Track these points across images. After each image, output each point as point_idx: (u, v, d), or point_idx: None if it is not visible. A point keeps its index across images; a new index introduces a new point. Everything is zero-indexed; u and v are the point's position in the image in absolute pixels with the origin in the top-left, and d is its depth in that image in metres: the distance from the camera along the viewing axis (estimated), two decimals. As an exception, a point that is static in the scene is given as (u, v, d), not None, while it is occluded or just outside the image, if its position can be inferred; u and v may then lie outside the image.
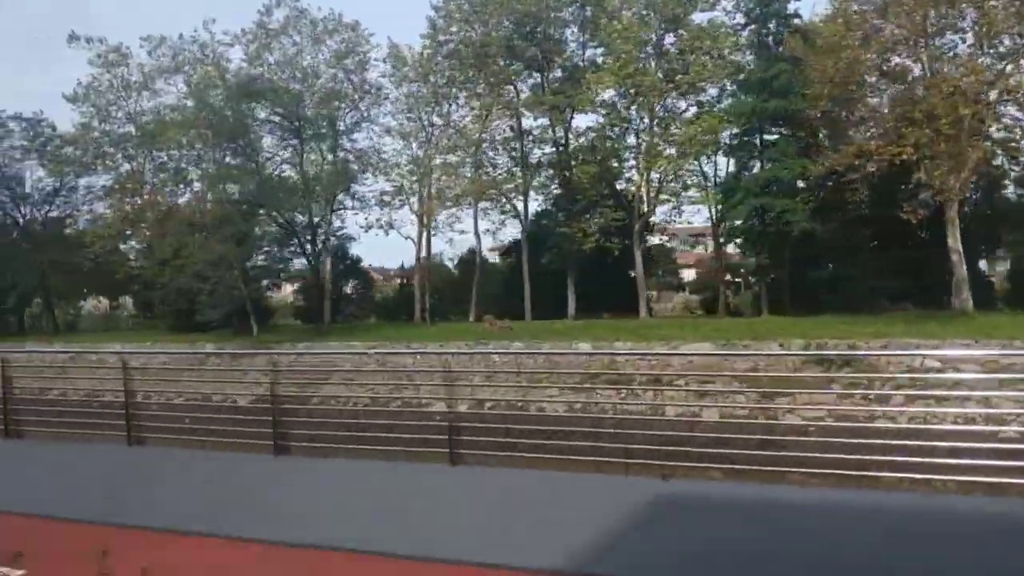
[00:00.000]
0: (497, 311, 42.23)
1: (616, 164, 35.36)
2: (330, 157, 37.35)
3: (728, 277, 52.34)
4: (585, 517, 5.60)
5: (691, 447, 9.02)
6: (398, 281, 56.30)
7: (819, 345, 23.17)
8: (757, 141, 31.74)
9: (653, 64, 32.68)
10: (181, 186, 44.88)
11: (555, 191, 39.20)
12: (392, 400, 25.48)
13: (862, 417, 14.77)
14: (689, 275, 60.90)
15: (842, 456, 7.21)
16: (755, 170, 32.34)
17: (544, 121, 37.59)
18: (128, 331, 45.85)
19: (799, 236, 30.21)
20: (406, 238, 43.14)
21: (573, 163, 35.61)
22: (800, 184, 31.18)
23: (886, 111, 26.83)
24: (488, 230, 41.87)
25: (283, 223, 34.87)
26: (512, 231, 45.02)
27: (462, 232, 41.15)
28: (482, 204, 38.96)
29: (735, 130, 32.91)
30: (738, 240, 35.55)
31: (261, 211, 36.90)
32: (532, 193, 38.76)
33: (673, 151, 31.98)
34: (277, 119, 34.10)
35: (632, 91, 31.62)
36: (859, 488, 6.99)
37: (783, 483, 7.56)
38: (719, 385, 23.18)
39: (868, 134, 26.15)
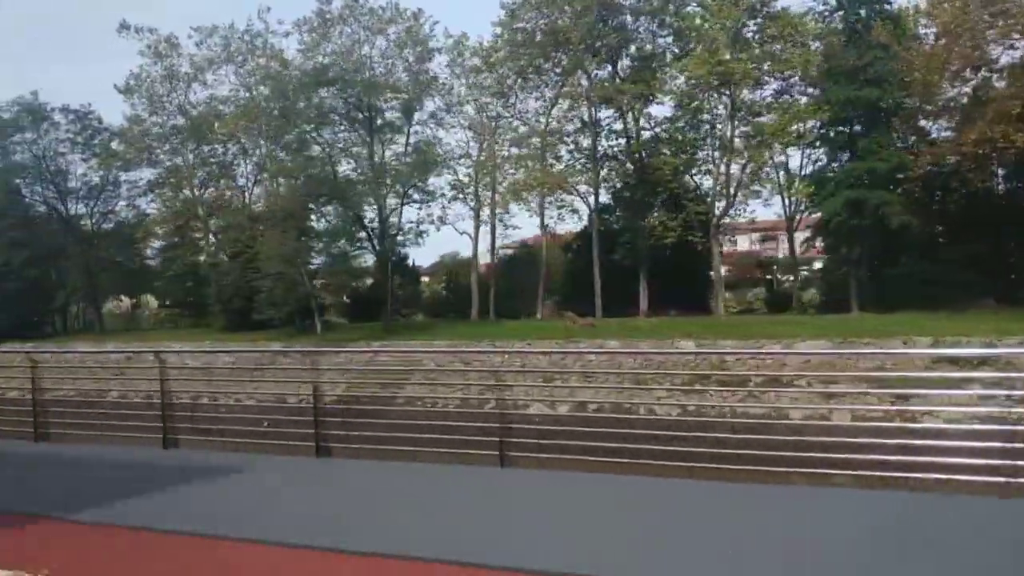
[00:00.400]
0: (561, 308, 41.09)
1: (688, 156, 34.10)
2: (396, 150, 36.19)
3: (758, 274, 51.40)
4: (723, 527, 5.32)
5: (822, 452, 8.33)
6: (426, 278, 55.07)
7: (951, 343, 22.03)
8: (848, 131, 30.53)
9: (730, 52, 31.45)
10: (223, 180, 43.95)
11: (618, 184, 37.96)
12: (485, 402, 24.38)
13: (1011, 419, 13.74)
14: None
15: (992, 462, 6.81)
16: (843, 161, 31.19)
17: (609, 112, 36.53)
18: (175, 330, 44.54)
19: (897, 230, 29.10)
20: (461, 233, 42.04)
21: (646, 154, 34.49)
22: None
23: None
24: (546, 225, 40.78)
25: (349, 217, 33.54)
26: (570, 225, 43.99)
27: (515, 227, 39.54)
28: (533, 198, 37.67)
29: (816, 121, 31.81)
30: (821, 235, 34.37)
31: (318, 205, 35.74)
32: (584, 187, 37.55)
33: (758, 141, 30.79)
34: (345, 109, 32.68)
35: (716, 80, 30.37)
36: (1007, 497, 6.38)
37: (923, 489, 7.07)
38: (845, 386, 22.06)
39: (987, 121, 24.83)
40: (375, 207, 35.01)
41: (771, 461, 7.37)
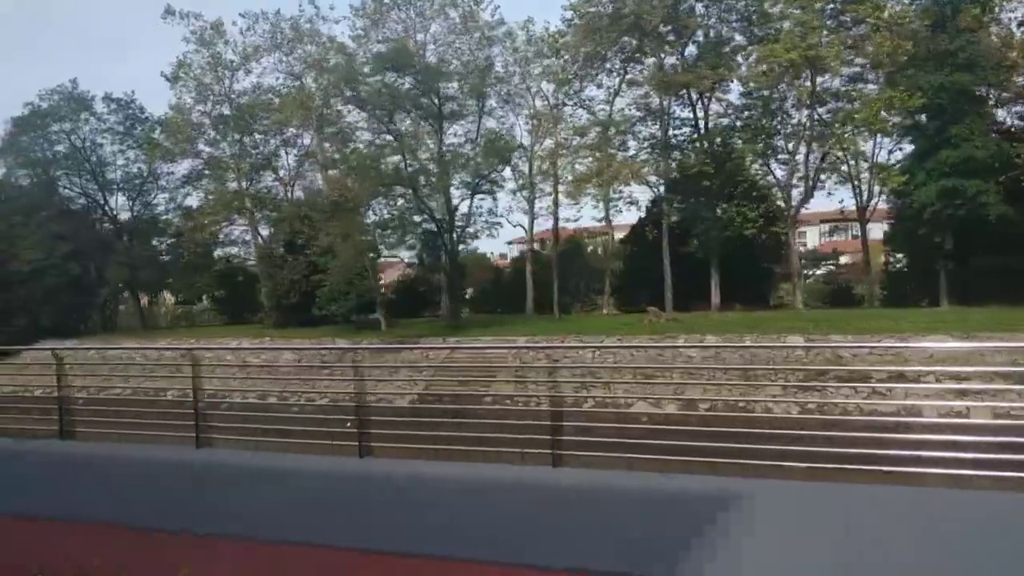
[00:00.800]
0: (621, 302, 39.99)
1: (764, 144, 32.90)
2: (453, 140, 34.86)
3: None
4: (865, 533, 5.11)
5: (958, 451, 7.85)
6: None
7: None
8: (941, 119, 29.38)
9: (819, 36, 30.30)
10: (263, 172, 42.68)
11: (679, 174, 36.76)
12: (584, 400, 23.28)
13: None
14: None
15: None
16: (930, 149, 30.07)
17: (670, 101, 35.30)
18: (215, 327, 43.21)
19: (994, 221, 28.06)
20: (515, 225, 40.85)
21: (719, 142, 33.40)
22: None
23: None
24: (595, 218, 39.58)
25: (413, 208, 32.18)
26: (626, 217, 42.84)
27: (575, 219, 38.03)
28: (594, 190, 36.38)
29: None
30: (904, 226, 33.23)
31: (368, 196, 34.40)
32: (654, 178, 36.33)
33: (847, 129, 29.69)
34: (412, 96, 31.25)
35: (805, 65, 29.20)
36: None
37: None
38: (979, 382, 20.99)
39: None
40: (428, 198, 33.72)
41: (905, 461, 7.02)
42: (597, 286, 46.24)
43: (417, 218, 31.92)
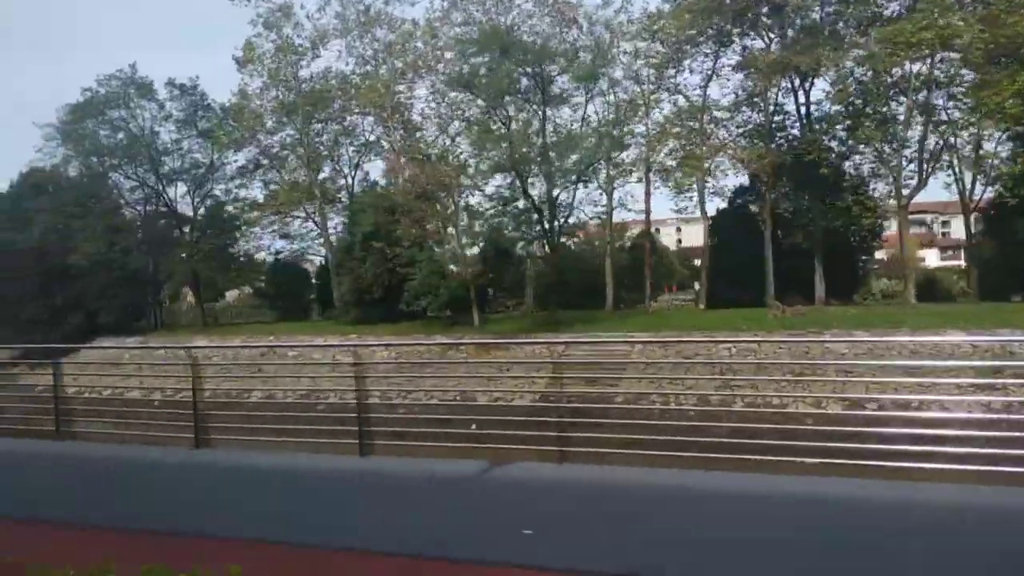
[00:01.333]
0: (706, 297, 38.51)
1: (880, 130, 31.45)
2: (536, 126, 33.18)
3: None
4: None
5: None
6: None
7: None
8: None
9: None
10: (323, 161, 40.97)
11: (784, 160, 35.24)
12: (732, 399, 21.87)
13: None
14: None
15: None
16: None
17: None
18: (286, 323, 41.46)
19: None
20: (591, 218, 39.14)
21: (820, 128, 32.03)
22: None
23: None
24: (673, 209, 38.05)
25: (517, 196, 30.53)
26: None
27: (677, 209, 36.19)
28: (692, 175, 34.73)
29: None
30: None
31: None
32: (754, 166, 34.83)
33: (976, 117, 28.35)
34: (515, 79, 29.58)
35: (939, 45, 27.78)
36: None
37: None
38: None
39: None
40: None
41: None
42: (662, 281, 44.78)
43: (517, 207, 30.25)
